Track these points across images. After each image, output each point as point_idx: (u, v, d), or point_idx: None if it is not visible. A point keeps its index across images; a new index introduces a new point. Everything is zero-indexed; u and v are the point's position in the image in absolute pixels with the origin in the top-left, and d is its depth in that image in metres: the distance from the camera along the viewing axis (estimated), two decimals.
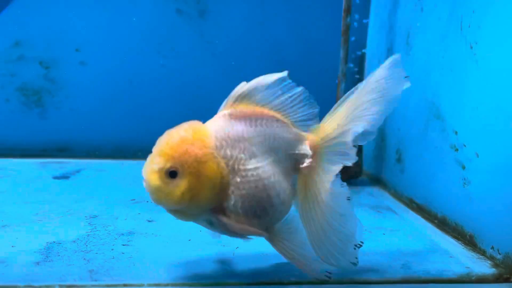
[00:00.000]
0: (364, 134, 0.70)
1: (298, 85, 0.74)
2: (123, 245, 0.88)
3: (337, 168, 0.70)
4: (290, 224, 0.73)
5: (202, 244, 0.90)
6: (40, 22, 1.57)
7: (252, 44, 1.65)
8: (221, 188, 0.66)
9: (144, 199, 1.18)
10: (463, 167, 1.00)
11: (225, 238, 0.92)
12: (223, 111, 0.71)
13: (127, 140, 1.67)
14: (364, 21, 1.63)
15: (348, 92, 0.73)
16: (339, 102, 0.74)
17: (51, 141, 1.63)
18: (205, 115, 0.75)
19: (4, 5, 1.54)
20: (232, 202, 0.67)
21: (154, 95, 1.65)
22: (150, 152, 0.68)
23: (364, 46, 1.64)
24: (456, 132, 1.04)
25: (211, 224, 0.71)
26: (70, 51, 1.60)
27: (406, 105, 1.32)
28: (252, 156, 0.68)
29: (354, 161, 0.70)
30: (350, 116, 0.69)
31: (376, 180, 1.49)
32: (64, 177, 1.38)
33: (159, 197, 0.65)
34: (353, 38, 1.57)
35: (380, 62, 0.74)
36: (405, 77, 0.72)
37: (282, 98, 0.72)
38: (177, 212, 0.69)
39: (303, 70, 1.59)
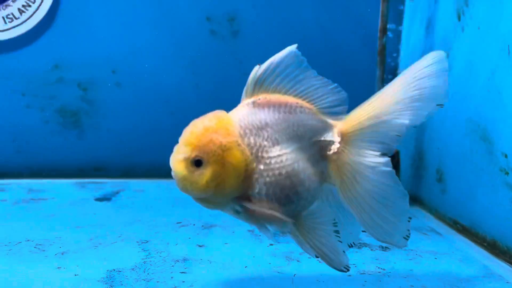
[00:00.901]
0: (405, 127, 0.70)
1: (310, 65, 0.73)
2: (181, 272, 0.89)
3: (375, 153, 0.70)
4: (317, 213, 0.72)
5: (259, 271, 0.91)
6: (78, 45, 1.60)
7: None
8: (246, 175, 0.67)
9: (190, 222, 1.19)
10: None
11: (282, 264, 0.93)
12: (246, 100, 0.71)
13: (163, 160, 1.68)
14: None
15: (384, 88, 0.73)
16: (372, 97, 0.73)
17: (88, 161, 1.66)
18: None
19: (44, 28, 1.57)
20: (256, 190, 0.67)
21: (188, 114, 1.66)
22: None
23: (398, 65, 1.65)
24: (506, 156, 1.04)
25: (237, 213, 0.71)
26: (107, 72, 1.63)
27: (445, 124, 1.33)
28: (276, 143, 0.68)
29: (393, 151, 0.71)
30: (389, 109, 0.70)
31: (414, 200, 1.49)
32: (106, 198, 1.40)
33: (185, 185, 0.66)
34: (388, 59, 1.58)
35: None
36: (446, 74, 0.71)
37: (305, 83, 0.72)
38: (203, 201, 0.69)
39: None
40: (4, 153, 1.62)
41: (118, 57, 1.63)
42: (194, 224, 1.17)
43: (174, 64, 1.65)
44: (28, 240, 1.02)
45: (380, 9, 1.45)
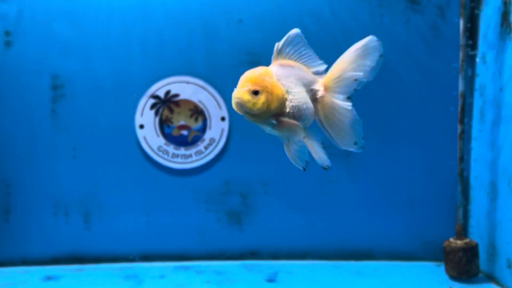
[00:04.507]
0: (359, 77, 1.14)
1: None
2: None
3: (344, 96, 1.14)
4: (313, 133, 1.15)
5: None
6: (241, 167, 2.32)
7: None
8: (282, 101, 1.11)
9: None
10: None
11: None
12: (275, 62, 1.16)
13: (307, 243, 2.35)
14: None
15: (342, 56, 1.16)
16: (337, 62, 1.15)
17: (246, 248, 2.35)
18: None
19: (219, 158, 2.33)
20: (287, 110, 1.11)
21: (318, 210, 2.34)
22: None
23: None
24: None
25: (272, 125, 1.13)
26: (260, 185, 2.33)
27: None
28: (295, 86, 1.14)
29: (352, 90, 1.14)
30: (349, 68, 1.14)
31: (491, 278, 2.03)
32: (271, 279, 2.06)
33: (249, 106, 1.00)
34: None
35: None
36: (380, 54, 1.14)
37: (306, 55, 1.17)
38: (254, 116, 1.03)
39: None
40: (190, 243, 2.34)
41: (268, 174, 2.33)
42: None
43: None
44: None
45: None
